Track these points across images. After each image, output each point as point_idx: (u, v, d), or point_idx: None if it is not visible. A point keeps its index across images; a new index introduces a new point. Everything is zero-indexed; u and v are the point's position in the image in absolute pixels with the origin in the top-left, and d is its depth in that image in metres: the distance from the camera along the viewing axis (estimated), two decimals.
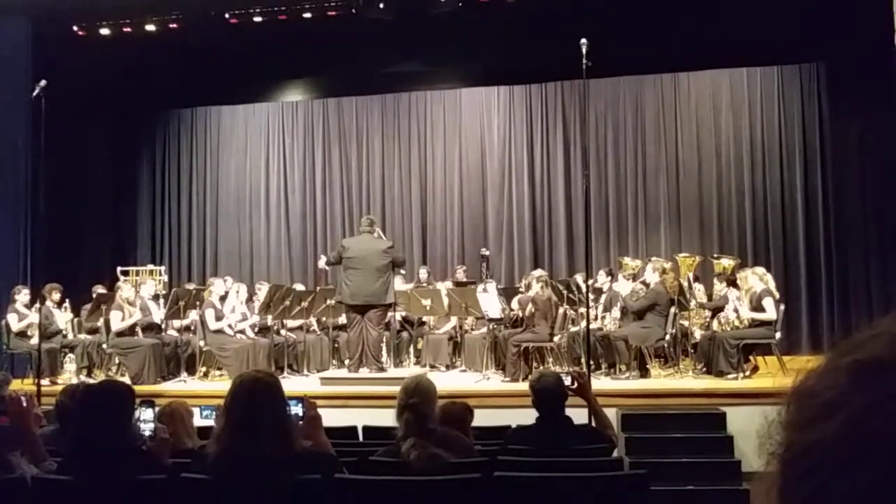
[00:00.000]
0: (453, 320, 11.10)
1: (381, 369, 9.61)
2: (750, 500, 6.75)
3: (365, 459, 4.04)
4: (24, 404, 3.88)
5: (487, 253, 12.61)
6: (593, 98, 12.78)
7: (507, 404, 7.95)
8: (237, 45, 12.23)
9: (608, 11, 11.19)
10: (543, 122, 13.80)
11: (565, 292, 10.22)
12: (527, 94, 13.90)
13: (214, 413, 4.79)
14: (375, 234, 10.02)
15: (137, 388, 5.09)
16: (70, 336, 10.86)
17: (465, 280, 11.80)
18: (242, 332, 10.51)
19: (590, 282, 9.27)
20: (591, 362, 8.71)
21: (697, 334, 10.05)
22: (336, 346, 11.14)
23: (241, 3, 11.94)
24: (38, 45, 11.60)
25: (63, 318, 10.80)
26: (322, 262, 11.33)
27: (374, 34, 11.96)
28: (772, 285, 9.61)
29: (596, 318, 10.14)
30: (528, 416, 4.73)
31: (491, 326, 10.27)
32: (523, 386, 7.78)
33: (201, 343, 10.23)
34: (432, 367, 10.54)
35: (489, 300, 10.26)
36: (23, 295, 10.44)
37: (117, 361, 10.21)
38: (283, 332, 11.08)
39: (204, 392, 8.96)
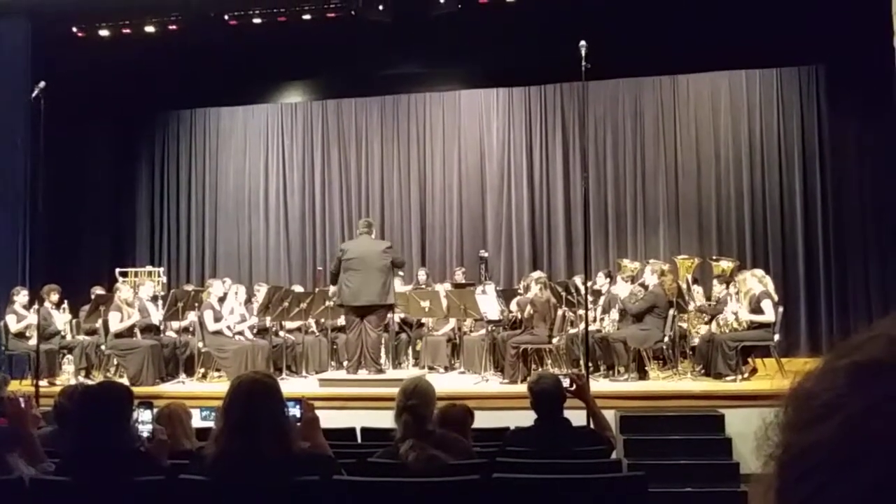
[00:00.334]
0: (452, 322, 11.10)
1: (380, 371, 9.61)
2: (748, 502, 6.75)
3: (363, 461, 4.04)
4: (23, 405, 3.88)
5: (486, 255, 12.60)
6: (592, 100, 12.79)
7: (506, 406, 7.95)
8: (236, 46, 12.23)
9: (607, 13, 11.20)
10: (542, 124, 13.80)
11: (564, 294, 10.22)
12: (526, 96, 13.90)
13: (213, 414, 4.79)
14: (373, 236, 10.02)
15: (136, 390, 5.09)
16: (68, 337, 10.85)
17: (463, 282, 11.80)
18: (241, 333, 10.51)
19: (588, 284, 9.27)
20: (590, 364, 8.71)
21: (696, 339, 10.04)
22: (335, 347, 11.13)
23: (241, 4, 11.95)
24: (38, 46, 11.60)
25: (61, 319, 10.80)
26: (333, 289, 10.90)
27: (374, 36, 11.96)
28: (770, 287, 9.61)
29: (595, 320, 10.14)
30: (527, 418, 4.73)
31: (490, 328, 10.27)
32: (522, 388, 7.77)
33: (200, 344, 10.23)
34: (431, 368, 10.53)
35: (488, 302, 10.26)
36: (21, 296, 10.44)
37: (116, 363, 10.20)
38: (281, 333, 11.07)
39: (202, 393, 8.96)
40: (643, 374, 9.44)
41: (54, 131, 9.60)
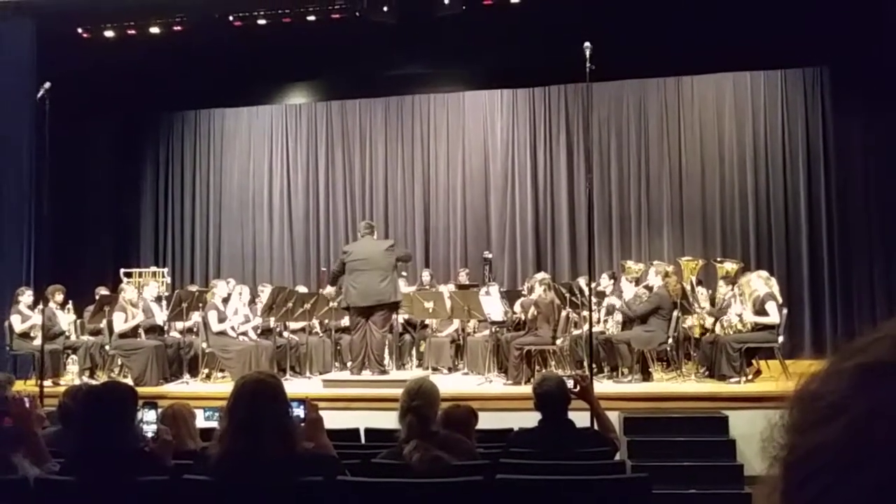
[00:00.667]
0: (456, 323, 11.09)
1: (384, 372, 9.62)
2: (752, 503, 6.75)
3: (367, 462, 4.04)
4: (27, 405, 3.88)
5: (490, 256, 12.62)
6: (596, 101, 12.78)
7: (510, 407, 7.94)
8: (241, 47, 12.24)
9: (612, 15, 11.19)
10: (547, 126, 13.80)
11: (568, 295, 10.21)
12: (530, 98, 13.90)
13: (217, 415, 4.79)
14: (375, 237, 10.05)
15: (140, 390, 5.09)
16: (73, 337, 10.87)
17: (467, 283, 11.81)
18: (245, 334, 10.52)
19: (592, 285, 9.26)
20: (594, 365, 8.70)
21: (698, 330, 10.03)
22: (338, 348, 11.14)
23: (245, 5, 11.96)
24: (43, 47, 11.61)
25: (66, 319, 10.82)
26: (330, 290, 11.15)
27: (378, 37, 11.96)
28: (776, 289, 9.60)
29: (598, 322, 10.13)
30: (531, 420, 4.73)
31: (493, 329, 10.26)
32: (525, 389, 7.79)
33: (204, 345, 10.24)
34: (434, 369, 10.53)
35: (492, 303, 10.26)
36: (26, 296, 10.46)
37: (120, 363, 10.22)
38: (285, 334, 11.08)
39: (206, 394, 8.97)
40: (647, 376, 9.44)
41: (59, 131, 9.60)
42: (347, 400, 8.68)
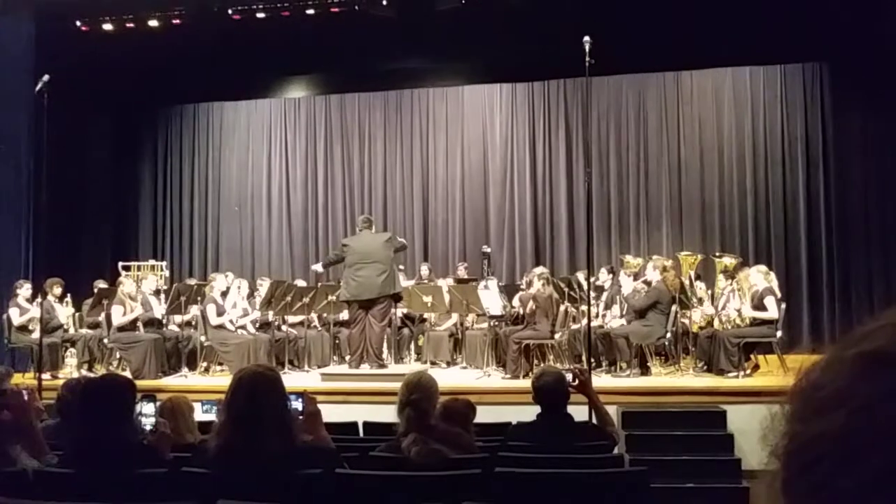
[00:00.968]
0: (454, 317, 11.09)
1: (382, 366, 9.63)
2: (751, 497, 6.76)
3: (366, 455, 4.04)
4: (26, 398, 3.88)
5: (489, 250, 12.61)
6: (596, 96, 12.78)
7: (508, 401, 7.94)
8: (240, 41, 12.22)
9: (611, 9, 11.19)
10: (546, 120, 13.78)
11: (566, 290, 10.22)
12: (529, 92, 13.88)
13: (215, 408, 4.79)
14: (373, 230, 10.07)
15: (138, 383, 5.08)
16: (71, 331, 10.87)
17: (466, 277, 11.81)
18: (243, 327, 10.52)
19: (591, 279, 9.26)
20: (592, 360, 8.71)
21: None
22: (337, 342, 11.15)
23: None
24: (42, 40, 11.60)
25: (64, 312, 10.82)
26: (318, 267, 11.36)
27: (377, 31, 11.95)
28: (775, 284, 9.60)
29: (597, 316, 10.14)
30: (529, 413, 4.73)
31: (492, 323, 10.27)
32: (524, 383, 7.80)
33: (202, 338, 10.24)
34: (433, 363, 10.53)
35: (490, 297, 10.26)
36: (24, 289, 10.45)
37: (118, 356, 10.22)
38: (284, 327, 11.08)
39: (205, 387, 8.96)
40: (645, 370, 9.44)
41: (57, 125, 9.60)
42: (346, 393, 8.68)
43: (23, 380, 8.85)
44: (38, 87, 8.97)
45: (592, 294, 9.23)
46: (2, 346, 10.53)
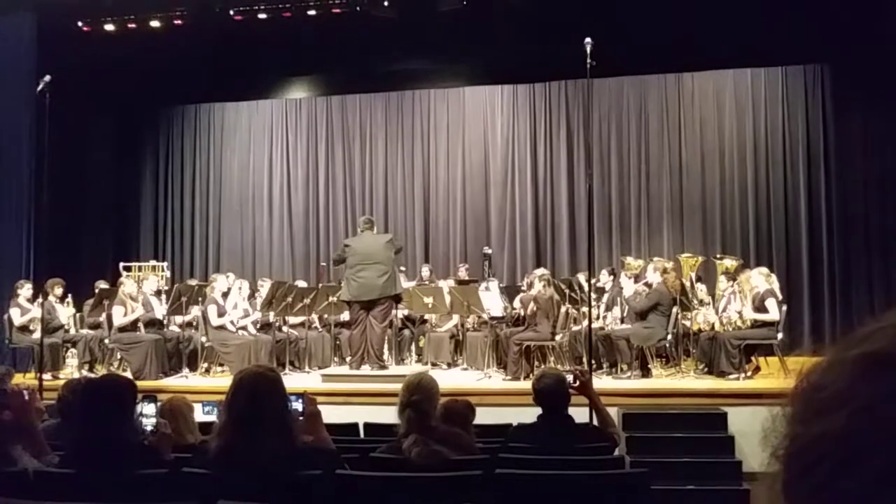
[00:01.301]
0: (455, 318, 11.10)
1: (383, 367, 9.63)
2: (752, 500, 6.76)
3: (366, 456, 4.03)
4: (26, 398, 3.88)
5: (490, 251, 12.61)
6: (597, 97, 12.78)
7: (509, 402, 7.94)
8: (241, 41, 12.23)
9: (612, 11, 11.19)
10: (547, 121, 13.79)
11: (567, 291, 10.21)
12: (530, 93, 13.89)
13: (216, 408, 4.79)
14: (375, 231, 10.08)
15: (139, 384, 5.08)
16: (72, 331, 10.87)
17: (467, 278, 11.80)
18: (244, 328, 10.52)
19: (592, 281, 9.25)
20: (593, 361, 8.70)
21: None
22: (338, 343, 11.15)
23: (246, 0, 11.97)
24: (43, 40, 11.61)
25: (65, 312, 10.82)
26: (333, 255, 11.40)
27: (379, 32, 11.96)
28: (776, 286, 9.59)
29: (598, 318, 10.13)
30: (530, 415, 4.73)
31: (493, 325, 10.26)
32: (524, 384, 7.79)
33: (203, 339, 10.24)
34: (434, 364, 10.54)
35: (491, 298, 10.26)
36: (25, 289, 10.46)
37: (119, 356, 10.23)
38: (284, 328, 11.08)
39: (205, 388, 8.97)
40: (646, 372, 9.44)
41: (59, 125, 9.60)
42: (347, 395, 8.67)
43: (24, 380, 8.84)
44: (39, 88, 8.97)
45: (593, 296, 9.22)
46: (3, 346, 10.54)
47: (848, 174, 12.24)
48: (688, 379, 9.34)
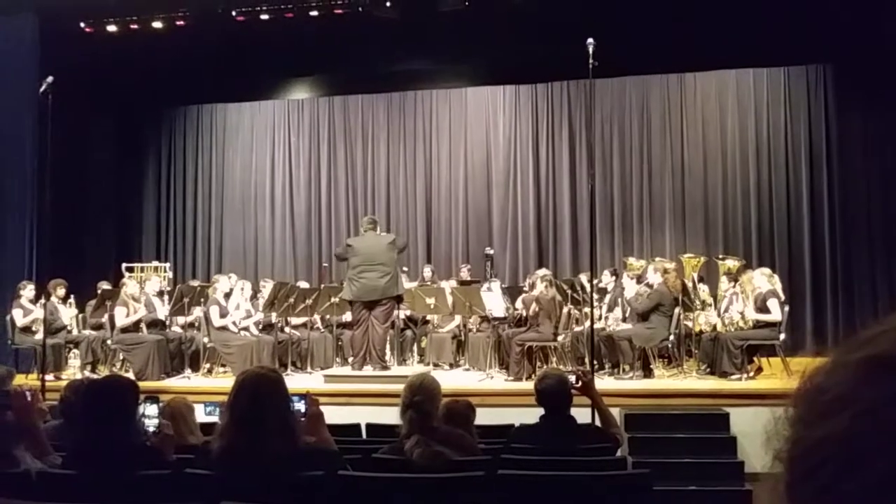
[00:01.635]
0: (457, 319, 11.10)
1: (385, 367, 9.63)
2: (754, 500, 6.75)
3: (368, 456, 4.04)
4: (29, 399, 3.89)
5: (492, 252, 12.60)
6: (599, 98, 12.78)
7: (511, 403, 7.94)
8: (244, 42, 12.24)
9: (615, 11, 11.19)
10: (549, 122, 13.78)
11: (569, 292, 10.21)
12: (533, 94, 13.88)
13: (218, 409, 4.79)
14: (378, 231, 10.08)
15: (141, 385, 5.09)
16: (74, 332, 10.88)
17: (469, 279, 11.80)
18: (246, 329, 10.52)
19: (594, 281, 9.25)
20: (595, 362, 8.70)
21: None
22: (340, 343, 11.15)
23: (248, 0, 11.96)
24: (46, 41, 11.62)
25: (68, 313, 10.83)
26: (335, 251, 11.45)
27: (381, 32, 11.97)
28: (778, 287, 9.58)
29: (600, 318, 10.13)
30: (532, 416, 4.73)
31: (495, 325, 10.26)
32: (527, 385, 7.79)
33: (205, 340, 10.25)
34: (436, 365, 10.54)
35: (493, 299, 10.25)
36: (28, 290, 10.47)
37: (121, 357, 10.23)
38: (286, 329, 11.08)
39: (208, 389, 8.98)
40: (648, 373, 9.43)
41: (61, 126, 9.61)
42: (349, 395, 8.68)
43: (26, 381, 8.85)
44: (41, 89, 8.99)
45: (595, 296, 9.22)
46: (5, 346, 10.54)
47: (850, 174, 12.23)
48: (690, 379, 9.34)
